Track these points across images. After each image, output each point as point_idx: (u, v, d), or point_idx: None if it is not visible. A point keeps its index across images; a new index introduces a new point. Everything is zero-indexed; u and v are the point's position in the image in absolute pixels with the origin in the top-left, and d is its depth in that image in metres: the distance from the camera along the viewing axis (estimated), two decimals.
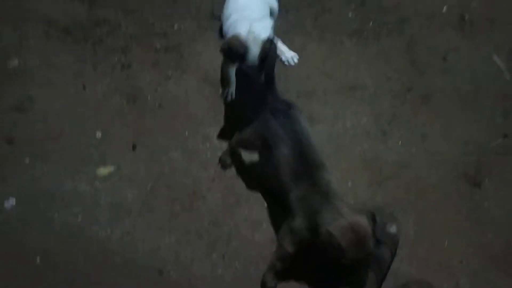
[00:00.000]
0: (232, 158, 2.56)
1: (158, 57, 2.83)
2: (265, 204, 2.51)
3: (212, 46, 2.85)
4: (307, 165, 2.20)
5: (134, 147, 2.62)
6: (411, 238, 2.45)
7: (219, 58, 2.80)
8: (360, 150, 2.63)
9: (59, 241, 2.43)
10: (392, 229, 2.34)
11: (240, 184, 2.55)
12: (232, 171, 2.58)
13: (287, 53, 2.77)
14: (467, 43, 2.91)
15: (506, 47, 2.89)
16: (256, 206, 2.51)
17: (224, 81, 2.63)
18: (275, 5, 2.67)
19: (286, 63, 2.77)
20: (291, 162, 2.21)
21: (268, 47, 2.25)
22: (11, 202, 2.50)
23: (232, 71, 2.55)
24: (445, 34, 2.93)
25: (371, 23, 2.94)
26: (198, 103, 2.72)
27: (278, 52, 2.60)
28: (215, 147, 2.62)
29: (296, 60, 2.78)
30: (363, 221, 2.08)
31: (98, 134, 2.64)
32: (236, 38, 2.27)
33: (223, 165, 2.56)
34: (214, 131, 2.65)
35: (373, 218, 2.10)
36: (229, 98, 2.69)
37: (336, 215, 2.09)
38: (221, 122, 2.67)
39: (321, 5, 2.98)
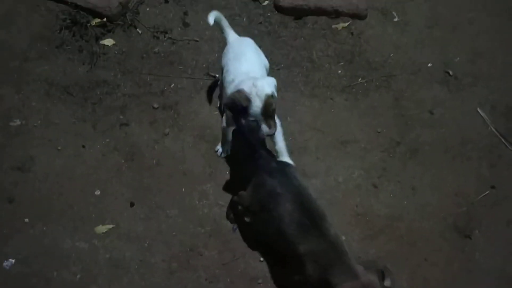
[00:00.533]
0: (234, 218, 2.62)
1: (155, 115, 2.93)
2: (261, 259, 2.55)
3: (208, 104, 2.96)
4: (311, 216, 2.26)
5: (132, 205, 2.68)
6: None
7: (214, 116, 2.92)
8: (353, 204, 2.70)
9: None
10: (387, 282, 2.37)
11: (236, 240, 2.59)
12: (228, 227, 2.63)
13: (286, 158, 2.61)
14: (453, 97, 3.03)
15: (489, 100, 3.01)
16: (252, 261, 2.55)
17: (222, 139, 2.72)
18: (268, 65, 2.79)
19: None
20: (295, 216, 2.27)
21: (271, 102, 2.35)
22: (10, 261, 2.53)
23: (230, 130, 2.64)
24: (431, 89, 3.06)
25: (359, 80, 3.07)
26: (195, 160, 2.80)
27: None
28: (211, 203, 2.68)
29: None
30: (375, 281, 2.13)
31: (97, 193, 2.70)
32: (240, 92, 2.38)
33: (231, 221, 2.63)
34: (210, 187, 2.71)
35: (383, 276, 2.15)
36: (223, 154, 2.78)
37: (350, 274, 2.13)
38: (217, 179, 2.74)
39: (312, 63, 3.12)
